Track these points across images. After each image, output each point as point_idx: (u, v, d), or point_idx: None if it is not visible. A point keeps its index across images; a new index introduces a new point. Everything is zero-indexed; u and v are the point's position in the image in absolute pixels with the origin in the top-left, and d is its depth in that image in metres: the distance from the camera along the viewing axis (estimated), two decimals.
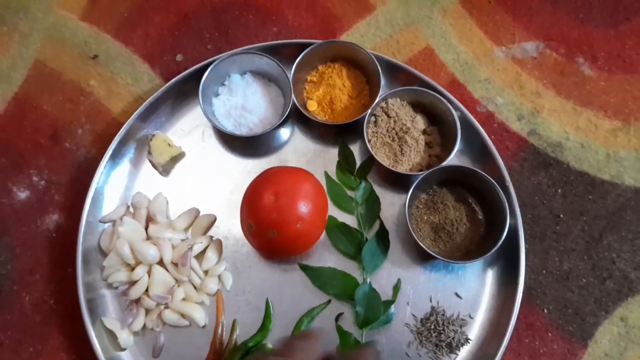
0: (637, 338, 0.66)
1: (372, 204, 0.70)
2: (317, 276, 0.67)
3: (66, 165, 0.73)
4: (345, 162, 0.72)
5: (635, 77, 0.76)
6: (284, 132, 0.74)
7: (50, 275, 0.70)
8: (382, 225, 0.69)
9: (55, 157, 0.74)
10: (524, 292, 0.65)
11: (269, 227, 0.61)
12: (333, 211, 0.69)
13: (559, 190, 0.71)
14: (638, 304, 0.67)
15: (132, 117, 0.70)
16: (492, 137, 0.73)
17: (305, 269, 0.67)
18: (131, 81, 0.77)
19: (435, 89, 0.71)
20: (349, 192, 0.71)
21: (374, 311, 0.64)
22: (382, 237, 0.68)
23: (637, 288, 0.67)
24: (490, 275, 0.67)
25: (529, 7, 0.79)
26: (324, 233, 0.67)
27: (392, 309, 0.66)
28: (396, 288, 0.66)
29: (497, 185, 0.64)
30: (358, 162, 0.72)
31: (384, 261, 0.67)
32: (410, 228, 0.64)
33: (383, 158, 0.69)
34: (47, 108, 0.76)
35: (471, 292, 0.67)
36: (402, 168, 0.68)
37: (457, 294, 0.66)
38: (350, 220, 0.69)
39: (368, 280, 0.66)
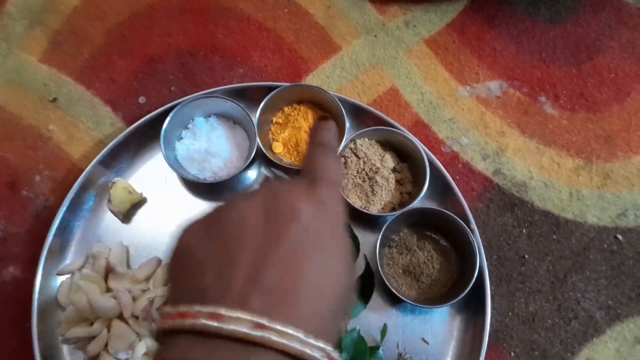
0: None
1: (353, 241, 0.69)
2: None
3: (24, 214, 0.71)
4: None
5: (597, 115, 0.77)
6: (250, 174, 0.73)
7: (7, 331, 0.67)
8: (367, 265, 0.67)
9: (13, 206, 0.72)
10: (490, 336, 0.64)
11: None
12: None
13: (524, 231, 0.72)
14: (603, 344, 0.67)
15: (91, 163, 0.69)
16: (458, 177, 0.73)
17: None
18: (92, 125, 0.75)
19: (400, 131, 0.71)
20: None
21: (360, 358, 0.63)
22: (366, 279, 0.67)
23: (602, 328, 0.68)
24: (457, 319, 0.67)
25: (493, 47, 0.80)
26: None
27: (381, 353, 0.64)
28: (383, 333, 0.65)
29: (468, 228, 0.64)
30: None
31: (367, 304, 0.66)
32: (381, 272, 0.63)
33: (355, 200, 0.69)
34: (4, 155, 0.74)
35: (438, 337, 0.66)
36: (375, 208, 0.68)
37: (424, 340, 0.66)
38: None
39: (357, 327, 0.65)
